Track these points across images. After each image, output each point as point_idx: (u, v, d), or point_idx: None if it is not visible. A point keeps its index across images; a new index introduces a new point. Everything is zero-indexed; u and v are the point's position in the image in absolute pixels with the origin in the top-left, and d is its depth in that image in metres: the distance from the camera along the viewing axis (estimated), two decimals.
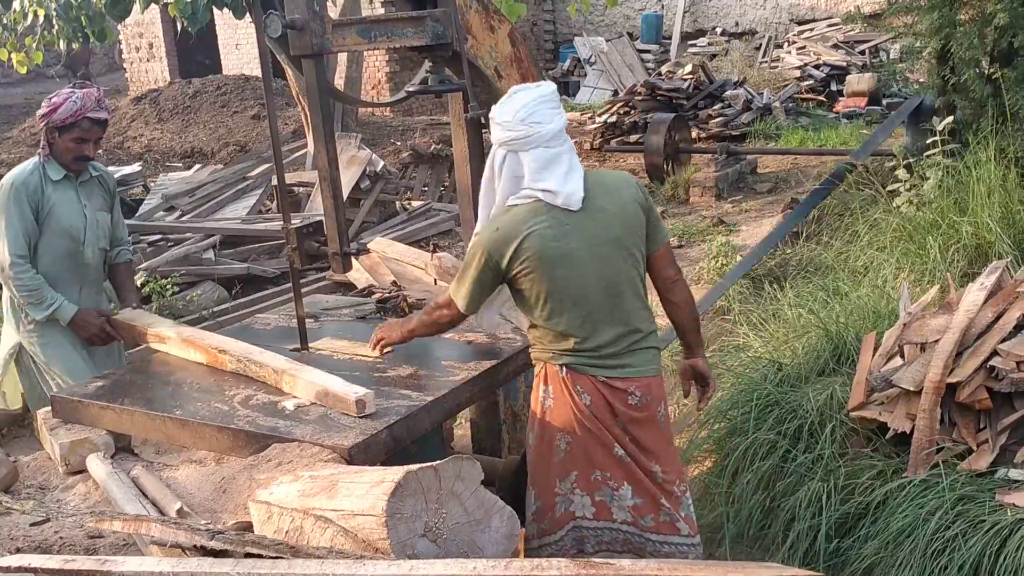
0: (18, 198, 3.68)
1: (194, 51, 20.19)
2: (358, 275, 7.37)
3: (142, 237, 7.14)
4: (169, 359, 3.36)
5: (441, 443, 3.41)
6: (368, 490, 2.14)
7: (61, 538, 2.45)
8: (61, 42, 8.33)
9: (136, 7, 7.97)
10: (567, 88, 17.71)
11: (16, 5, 8.06)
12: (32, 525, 2.53)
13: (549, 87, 2.86)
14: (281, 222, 7.59)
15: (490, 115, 2.83)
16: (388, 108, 15.25)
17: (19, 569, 1.96)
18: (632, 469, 2.80)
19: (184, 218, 7.98)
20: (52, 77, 23.38)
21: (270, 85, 3.21)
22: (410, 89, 3.54)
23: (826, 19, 17.12)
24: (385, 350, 3.10)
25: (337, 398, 2.73)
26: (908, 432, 3.25)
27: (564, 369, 2.80)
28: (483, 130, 3.98)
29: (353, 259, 6.96)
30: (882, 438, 3.39)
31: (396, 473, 2.14)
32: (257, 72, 18.12)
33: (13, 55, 8.88)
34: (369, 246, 7.70)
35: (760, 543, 3.41)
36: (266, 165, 9.19)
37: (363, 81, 14.10)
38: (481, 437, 3.86)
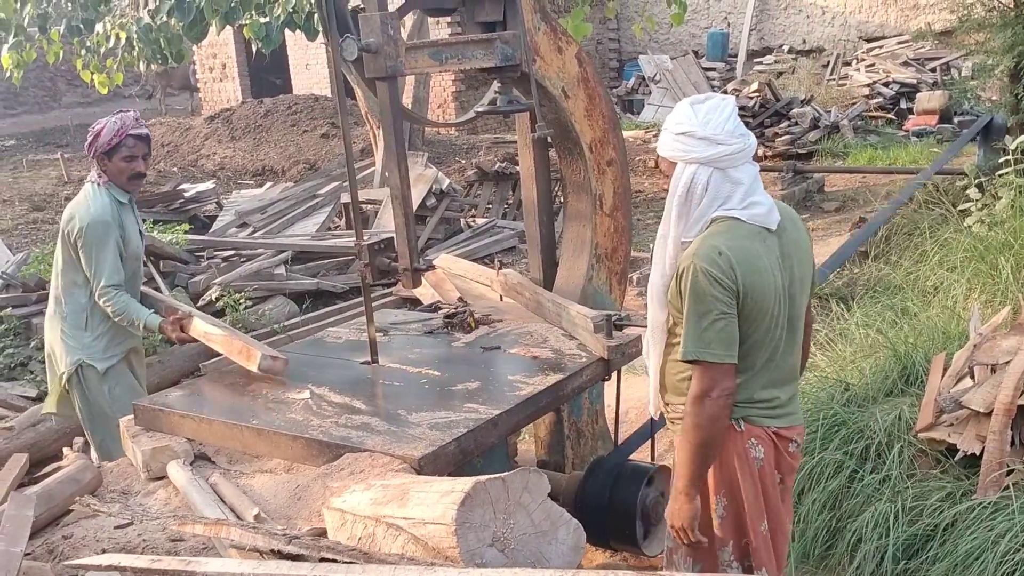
0: (110, 231, 3.84)
1: (266, 71, 20.68)
2: (423, 291, 7.49)
3: (216, 252, 7.34)
4: (243, 373, 3.46)
5: (506, 457, 3.45)
6: (438, 499, 2.20)
7: (144, 540, 2.54)
8: (141, 63, 8.61)
9: (212, 29, 8.22)
10: (631, 106, 17.74)
11: (99, 28, 8.37)
12: (116, 528, 2.63)
13: (731, 97, 2.60)
14: (350, 239, 7.78)
15: (683, 130, 2.48)
16: (453, 127, 15.44)
17: (109, 568, 2.07)
18: (770, 555, 2.62)
19: (256, 234, 8.19)
20: (131, 96, 24.08)
21: (344, 106, 3.32)
22: (479, 109, 3.62)
23: (896, 36, 16.89)
24: (695, 537, 2.58)
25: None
26: (978, 454, 3.22)
27: (741, 422, 2.54)
28: (549, 148, 4.07)
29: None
30: (951, 460, 3.35)
31: (465, 483, 2.19)
32: (326, 92, 18.49)
33: (95, 76, 9.19)
34: (435, 262, 7.84)
35: (826, 564, 3.40)
36: (335, 183, 9.38)
37: (429, 100, 14.29)
38: (545, 452, 3.91)
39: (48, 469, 3.29)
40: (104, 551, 2.52)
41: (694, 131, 2.45)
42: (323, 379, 3.24)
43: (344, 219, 9.47)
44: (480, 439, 2.77)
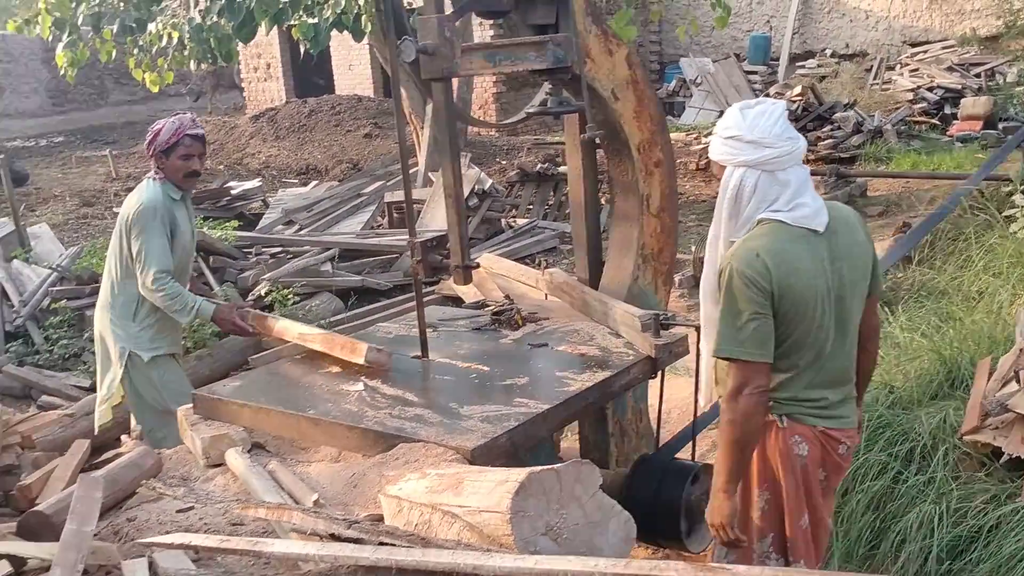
0: (160, 220, 4.00)
1: (309, 72, 20.92)
2: (466, 289, 7.57)
3: (264, 249, 7.48)
4: (295, 365, 3.56)
5: (552, 453, 3.52)
6: (493, 488, 2.27)
7: (205, 524, 2.63)
8: (192, 63, 8.79)
9: (261, 29, 8.36)
10: (672, 108, 17.72)
11: (151, 27, 8.55)
12: (178, 512, 2.73)
13: (781, 102, 2.67)
14: (394, 238, 7.88)
15: (732, 134, 2.57)
16: (497, 129, 15.53)
17: (179, 546, 2.15)
18: (808, 548, 2.67)
19: (302, 232, 8.32)
20: (184, 95, 24.44)
21: (400, 106, 3.38)
22: (530, 110, 3.68)
23: (940, 41, 16.74)
24: (734, 535, 2.63)
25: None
26: (1023, 457, 3.23)
27: (785, 419, 2.61)
28: (597, 149, 4.13)
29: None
30: (996, 463, 3.36)
31: (520, 474, 2.26)
32: (369, 92, 18.69)
33: (147, 75, 9.39)
34: (479, 261, 7.92)
35: (869, 564, 3.42)
36: (379, 183, 9.50)
37: (472, 101, 14.40)
38: (589, 450, 3.96)
39: (107, 456, 3.38)
40: (167, 533, 2.61)
41: (742, 135, 2.53)
42: (376, 372, 3.32)
43: (387, 218, 9.58)
44: (530, 432, 2.84)
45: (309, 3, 8.20)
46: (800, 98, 11.90)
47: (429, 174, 9.73)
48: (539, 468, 2.28)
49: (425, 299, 7.35)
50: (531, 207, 10.13)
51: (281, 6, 8.03)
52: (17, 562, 2.29)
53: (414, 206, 9.50)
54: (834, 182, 9.28)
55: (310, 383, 3.31)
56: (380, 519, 2.43)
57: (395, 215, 9.65)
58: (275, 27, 8.51)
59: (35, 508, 2.59)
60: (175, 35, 8.37)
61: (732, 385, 2.53)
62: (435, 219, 8.69)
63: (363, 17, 7.97)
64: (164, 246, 3.98)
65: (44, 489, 2.92)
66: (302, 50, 8.08)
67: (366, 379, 3.26)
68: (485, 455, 2.65)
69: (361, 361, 3.21)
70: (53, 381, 5.81)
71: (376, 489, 2.62)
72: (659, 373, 3.41)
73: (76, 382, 5.84)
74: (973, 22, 16.47)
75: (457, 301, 7.16)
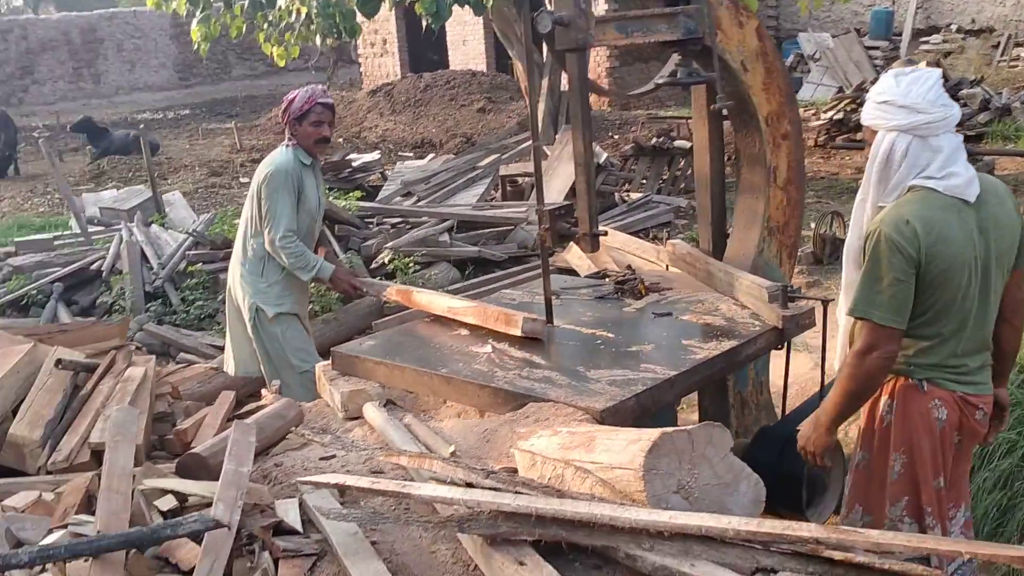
0: (288, 183, 4.25)
1: (424, 47, 21.18)
2: (580, 261, 7.62)
3: (385, 219, 7.69)
4: (425, 327, 3.69)
5: (673, 422, 3.57)
6: (626, 446, 2.34)
7: (348, 471, 2.78)
8: (317, 37, 9.05)
9: (385, 4, 8.56)
10: None
11: (281, 3, 8.84)
12: (321, 459, 2.89)
13: (936, 69, 2.69)
14: (510, 209, 7.94)
15: (885, 99, 2.58)
16: (607, 102, 15.50)
17: (335, 485, 2.30)
18: (942, 511, 2.70)
19: (420, 203, 8.51)
20: (304, 70, 25.08)
21: (534, 77, 3.43)
22: (659, 81, 3.71)
23: None
24: (822, 463, 2.81)
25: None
26: None
27: (925, 384, 2.64)
28: (724, 121, 4.12)
29: (575, 246, 7.23)
30: None
31: (653, 433, 2.32)
32: (482, 67, 18.82)
33: (274, 49, 9.71)
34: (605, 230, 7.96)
35: (996, 541, 3.37)
36: (494, 156, 9.61)
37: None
38: (709, 422, 3.98)
39: (249, 407, 3.58)
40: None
41: (895, 99, 2.55)
42: (502, 336, 3.41)
43: (500, 191, 9.70)
44: (656, 397, 2.90)
45: None
46: None
47: (544, 148, 9.78)
48: (672, 428, 2.34)
49: (539, 270, 7.46)
50: (645, 181, 10.09)
51: None
52: (179, 498, 2.48)
53: (528, 178, 9.61)
54: None
55: (440, 344, 3.44)
56: (514, 472, 2.53)
57: (508, 188, 9.76)
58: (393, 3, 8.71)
59: (192, 451, 2.78)
60: (303, 10, 8.63)
61: (861, 345, 2.58)
62: (549, 192, 8.75)
63: None
64: (291, 208, 4.20)
65: (197, 434, 3.12)
66: (423, 24, 8.20)
67: (494, 342, 3.36)
68: (613, 417, 2.73)
69: (518, 332, 3.28)
70: (190, 340, 6.13)
71: (508, 444, 2.72)
72: (785, 345, 3.41)
73: (211, 341, 6.14)
74: None
75: (570, 274, 7.25)
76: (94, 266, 6.98)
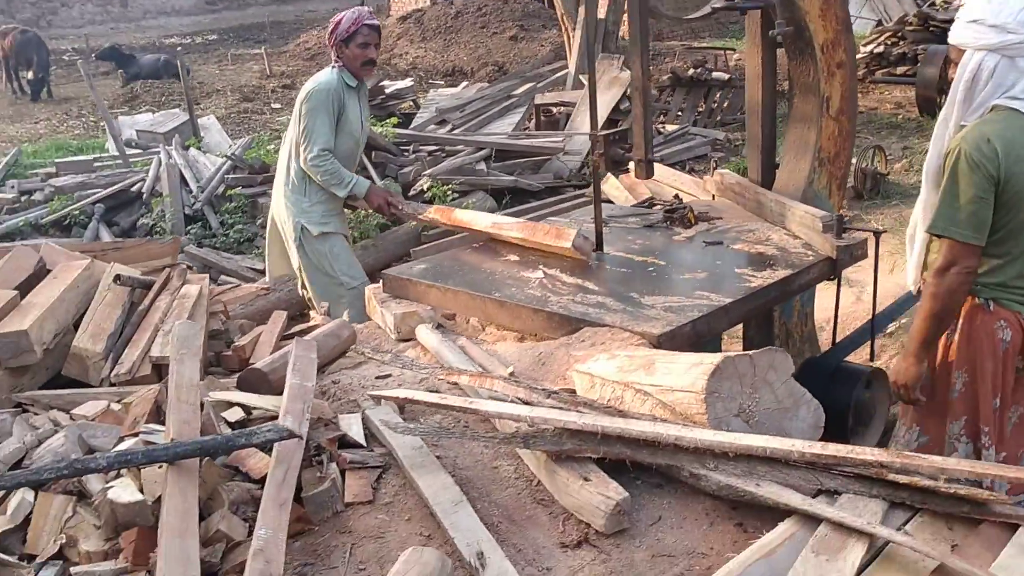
0: (328, 102, 4.24)
1: None
2: (617, 192, 7.58)
3: (421, 147, 7.66)
4: (474, 253, 3.69)
5: (719, 350, 3.58)
6: (687, 370, 2.36)
7: (404, 389, 2.82)
8: None
9: None
10: None
11: None
12: (377, 377, 2.93)
13: None
14: (547, 139, 7.89)
15: (975, 17, 2.57)
16: (680, 23, 15.14)
17: (404, 400, 2.33)
18: (1001, 431, 2.72)
19: (455, 131, 8.46)
20: None
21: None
22: (716, 5, 3.65)
23: None
24: (915, 396, 2.77)
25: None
26: None
27: (991, 303, 2.65)
28: (777, 49, 4.05)
29: (613, 177, 7.18)
30: None
31: (714, 357, 2.34)
32: None
33: None
34: (629, 166, 7.90)
35: None
36: (529, 84, 9.52)
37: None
38: (771, 347, 3.99)
39: (300, 327, 3.62)
40: (368, 396, 2.81)
41: (984, 19, 2.55)
42: (552, 262, 3.42)
43: (534, 121, 9.61)
44: (712, 324, 2.91)
45: None
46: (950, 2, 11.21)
47: (580, 77, 9.67)
48: (734, 353, 2.36)
49: (576, 202, 7.45)
50: (680, 113, 9.98)
51: None
52: (244, 410, 2.53)
53: (564, 108, 9.49)
54: None
55: (490, 269, 3.45)
56: (573, 393, 2.56)
57: (542, 118, 9.68)
58: None
59: (253, 366, 2.82)
60: None
61: (941, 262, 2.60)
62: (584, 122, 8.68)
63: None
64: (329, 127, 4.20)
65: (254, 351, 3.17)
66: None
67: (544, 267, 3.37)
68: (670, 342, 2.74)
69: (568, 246, 3.29)
70: (230, 263, 6.18)
71: (564, 367, 2.75)
72: (836, 276, 3.40)
73: (251, 264, 6.19)
74: None
75: (607, 203, 7.22)
76: (134, 188, 7.02)
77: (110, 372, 2.92)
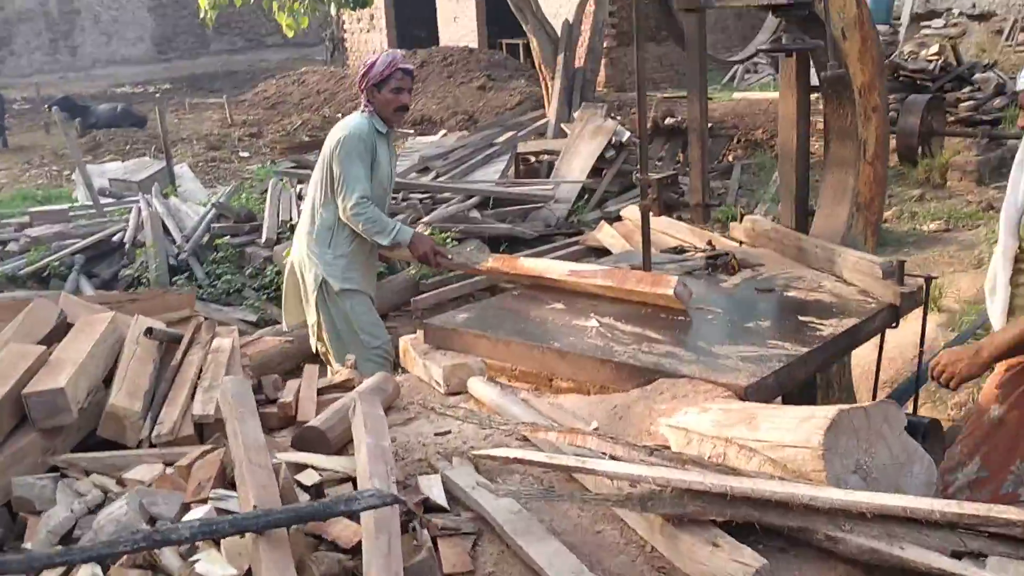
0: (363, 149, 4.06)
1: (411, 24, 20.90)
2: (614, 240, 7.50)
3: (410, 195, 7.51)
4: (516, 301, 3.54)
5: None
6: (797, 424, 2.23)
7: (471, 447, 2.64)
8: (333, 7, 8.82)
9: None
10: None
11: None
12: (436, 434, 2.75)
13: None
14: (536, 188, 7.75)
15: None
16: (603, 83, 15.30)
17: (511, 460, 2.16)
18: None
19: (439, 179, 8.34)
20: (274, 46, 24.71)
21: (638, 44, 3.26)
22: (762, 47, 3.60)
23: None
24: (955, 386, 2.83)
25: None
26: None
27: None
28: (813, 93, 4.00)
29: (607, 225, 7.05)
30: None
31: (828, 410, 2.21)
32: (474, 45, 18.54)
33: (284, 19, 9.46)
34: (622, 213, 7.82)
35: None
36: (511, 132, 9.45)
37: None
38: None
39: (327, 383, 3.42)
40: (428, 456, 2.62)
41: None
42: (604, 310, 3.28)
43: (515, 169, 9.51)
44: (792, 374, 2.79)
45: None
46: (937, 58, 11.45)
47: (562, 125, 9.63)
48: (848, 406, 2.23)
49: (569, 250, 7.33)
50: (660, 163, 9.98)
51: None
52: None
53: (546, 157, 9.44)
54: (985, 144, 8.95)
55: (540, 317, 3.30)
56: (667, 449, 2.41)
57: (522, 167, 9.59)
58: None
59: (309, 424, 2.63)
60: None
61: None
62: (570, 170, 8.62)
63: None
64: (365, 174, 4.02)
65: (298, 407, 2.96)
66: None
67: (596, 315, 3.23)
68: (757, 393, 2.62)
69: (669, 293, 3.14)
70: (220, 315, 5.93)
71: (647, 421, 2.59)
72: (897, 322, 3.31)
73: (243, 316, 5.95)
74: None
75: (602, 253, 7.12)
76: (115, 238, 6.74)
77: (150, 432, 2.69)
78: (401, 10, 20.93)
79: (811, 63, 3.85)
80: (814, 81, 3.91)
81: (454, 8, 19.74)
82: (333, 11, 9.00)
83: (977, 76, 11.25)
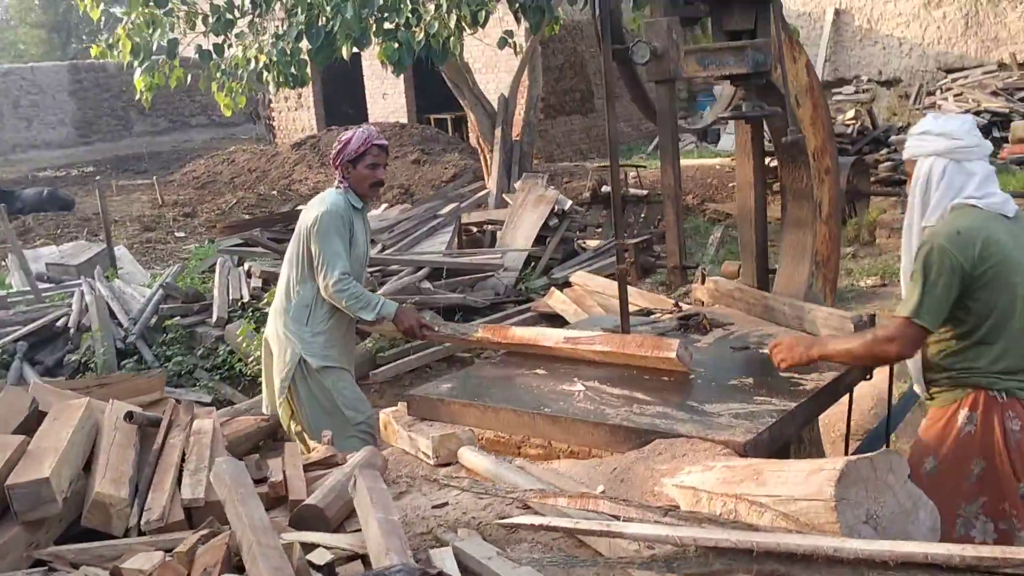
0: (341, 225, 4.04)
1: (338, 101, 21.06)
2: (565, 306, 7.54)
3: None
4: (495, 368, 3.55)
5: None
6: (806, 477, 2.26)
7: (473, 518, 2.61)
8: (272, 86, 8.84)
9: (342, 52, 8.42)
10: (707, 136, 17.81)
11: (237, 52, 8.61)
12: (434, 507, 2.71)
13: (970, 116, 3.05)
14: (485, 257, 7.79)
15: (923, 130, 2.88)
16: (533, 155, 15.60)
17: (535, 527, 2.14)
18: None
19: (385, 252, 8.33)
20: (198, 126, 24.59)
21: (613, 111, 3.33)
22: (723, 115, 3.72)
23: (976, 67, 16.88)
24: (784, 368, 3.09)
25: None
26: None
27: (1004, 395, 2.77)
28: (766, 157, 4.14)
29: (557, 291, 7.11)
30: None
31: (836, 462, 2.25)
32: (403, 120, 18.73)
33: (222, 99, 9.44)
34: (571, 279, 7.89)
35: None
36: (453, 204, 9.53)
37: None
38: (887, 449, 3.91)
39: (311, 460, 3.35)
40: (431, 529, 2.59)
41: (931, 129, 2.85)
42: (586, 374, 3.30)
43: (457, 239, 9.57)
44: (784, 429, 2.83)
45: (391, 28, 8.27)
46: (854, 121, 11.98)
47: (503, 195, 9.75)
48: (854, 457, 2.28)
49: (520, 317, 7.36)
50: (599, 229, 10.15)
51: (363, 29, 8.10)
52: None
53: (489, 227, 9.51)
54: (904, 202, 9.31)
55: (525, 384, 3.30)
56: (677, 509, 2.41)
57: (464, 237, 9.65)
58: (305, 57, 8.52)
59: (306, 503, 2.58)
60: (262, 58, 8.42)
61: (891, 332, 2.81)
62: (515, 239, 8.71)
63: (451, 40, 8.03)
64: (345, 250, 4.00)
65: (288, 485, 2.89)
66: (391, 67, 8.08)
67: (580, 379, 3.25)
68: (755, 449, 2.65)
69: (672, 356, 3.15)
70: (173, 396, 5.78)
71: (650, 482, 2.60)
72: (871, 374, 3.39)
73: (195, 397, 5.82)
74: (1010, 47, 16.64)
75: (553, 319, 7.17)
76: (59, 324, 6.56)
77: (138, 520, 2.60)
78: (329, 88, 21.10)
79: (764, 129, 4.00)
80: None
81: (382, 85, 19.97)
82: (273, 90, 9.01)
83: (893, 138, 11.80)
